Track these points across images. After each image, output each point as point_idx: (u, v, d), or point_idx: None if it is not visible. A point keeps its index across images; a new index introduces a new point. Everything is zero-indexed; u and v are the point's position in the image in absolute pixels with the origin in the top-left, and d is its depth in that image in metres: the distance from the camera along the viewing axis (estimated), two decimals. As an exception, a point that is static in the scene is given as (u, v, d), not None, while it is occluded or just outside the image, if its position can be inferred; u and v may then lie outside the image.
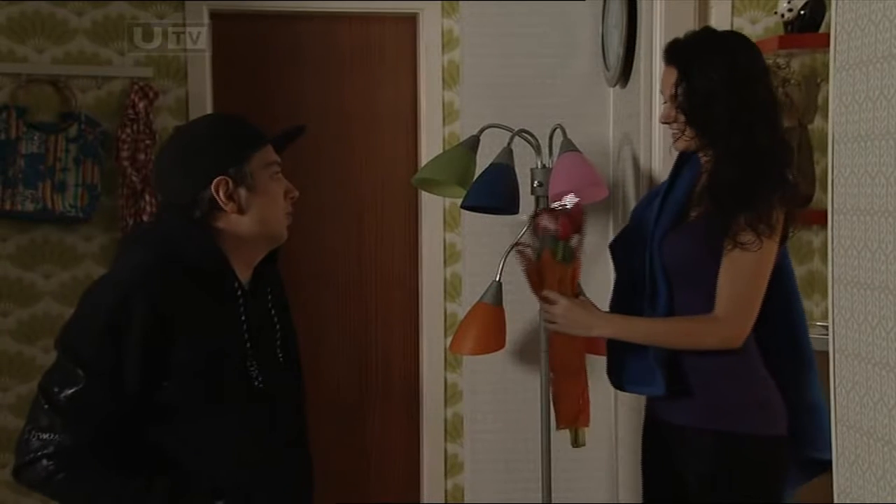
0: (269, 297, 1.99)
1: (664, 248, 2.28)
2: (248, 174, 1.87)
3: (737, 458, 2.22)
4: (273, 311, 1.99)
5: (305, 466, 2.03)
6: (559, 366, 2.37)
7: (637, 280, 2.35)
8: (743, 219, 2.14)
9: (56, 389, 1.76)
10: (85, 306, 1.84)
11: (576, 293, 2.35)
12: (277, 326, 1.98)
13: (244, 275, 1.92)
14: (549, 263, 2.33)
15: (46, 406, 1.76)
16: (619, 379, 2.38)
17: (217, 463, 1.84)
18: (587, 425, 2.39)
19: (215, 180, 1.84)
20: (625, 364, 2.33)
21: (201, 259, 1.84)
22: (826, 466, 2.29)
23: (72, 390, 1.75)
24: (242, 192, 1.86)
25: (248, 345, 1.88)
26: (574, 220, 2.32)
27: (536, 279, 2.38)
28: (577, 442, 2.41)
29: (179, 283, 1.81)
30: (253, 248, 1.92)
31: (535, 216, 2.41)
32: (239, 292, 1.88)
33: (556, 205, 2.41)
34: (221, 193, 1.85)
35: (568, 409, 2.37)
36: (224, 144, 1.88)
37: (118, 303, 1.77)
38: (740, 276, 2.17)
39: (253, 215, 1.88)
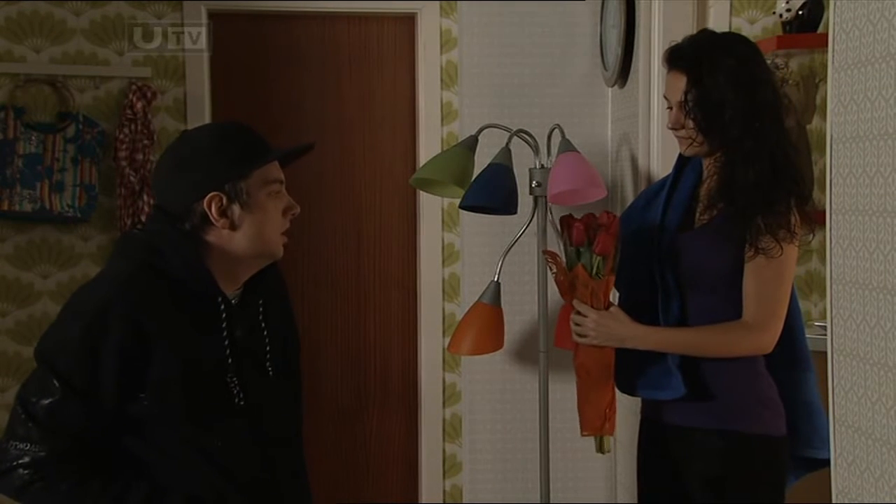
0: (261, 308, 1.96)
1: (676, 251, 2.27)
2: (243, 191, 1.83)
3: (745, 459, 2.22)
4: (264, 324, 1.96)
5: (296, 479, 2.00)
6: (587, 374, 2.33)
7: (643, 285, 2.33)
8: (762, 223, 2.14)
9: (33, 400, 1.76)
10: (64, 316, 1.83)
11: (608, 305, 2.30)
12: (267, 339, 1.95)
13: (232, 288, 1.90)
14: (584, 277, 2.29)
15: (23, 416, 1.76)
16: (630, 384, 2.35)
17: (195, 476, 1.83)
18: (612, 433, 2.37)
19: (209, 195, 1.82)
20: (638, 369, 2.30)
21: (185, 273, 1.82)
22: (819, 465, 2.31)
23: (48, 401, 1.75)
24: (236, 208, 1.83)
25: (230, 360, 1.86)
26: (613, 237, 2.28)
27: (567, 287, 2.34)
28: (602, 449, 2.38)
29: (160, 296, 1.80)
30: (243, 264, 1.89)
31: (568, 225, 2.34)
32: (222, 307, 1.86)
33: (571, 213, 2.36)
34: (214, 209, 1.82)
35: (594, 417, 2.34)
36: (223, 158, 1.83)
37: (96, 315, 1.76)
38: (767, 283, 2.18)
39: (245, 232, 1.85)
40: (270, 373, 1.95)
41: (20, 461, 1.75)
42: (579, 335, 2.30)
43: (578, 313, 2.30)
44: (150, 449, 1.82)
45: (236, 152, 1.85)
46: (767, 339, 2.21)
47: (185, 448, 1.82)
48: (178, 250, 1.83)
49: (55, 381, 1.75)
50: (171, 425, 1.81)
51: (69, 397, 1.75)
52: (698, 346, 2.23)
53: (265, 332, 1.95)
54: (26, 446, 1.75)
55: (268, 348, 1.95)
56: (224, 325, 1.86)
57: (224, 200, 1.83)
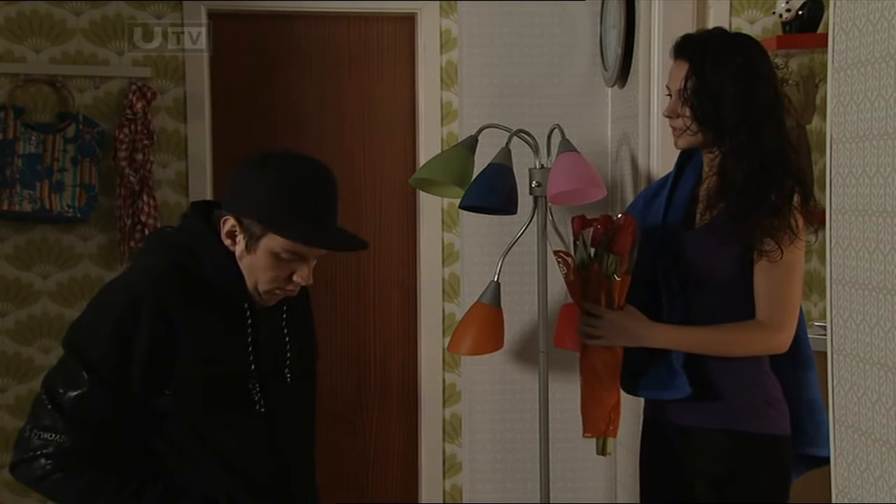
0: (285, 315, 1.97)
1: (679, 251, 2.26)
2: (255, 234, 1.82)
3: (751, 459, 2.22)
4: (286, 331, 1.96)
5: (307, 483, 2.01)
6: (595, 375, 2.30)
7: (643, 285, 2.31)
8: (762, 225, 2.14)
9: (61, 390, 1.77)
10: (95, 308, 1.84)
11: (622, 304, 2.28)
12: (288, 345, 1.96)
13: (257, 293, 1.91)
14: (598, 276, 2.26)
15: (50, 406, 1.77)
16: (633, 384, 2.34)
17: (210, 476, 1.84)
18: (615, 436, 2.35)
19: (228, 216, 1.83)
20: (642, 369, 2.29)
21: (215, 275, 1.84)
22: (820, 462, 2.31)
23: (76, 392, 1.76)
24: (241, 241, 1.83)
25: (252, 365, 1.87)
26: (631, 236, 2.25)
27: (578, 288, 2.31)
28: (604, 451, 2.37)
29: (189, 295, 1.81)
30: None
31: (583, 225, 2.31)
32: (248, 312, 1.87)
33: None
34: (225, 228, 1.84)
35: (599, 419, 2.32)
36: (262, 197, 1.80)
37: (127, 307, 1.78)
38: (778, 282, 2.18)
39: (242, 264, 1.85)
40: (289, 378, 1.95)
41: (44, 451, 1.77)
42: (592, 337, 2.28)
43: (589, 314, 2.28)
44: (169, 448, 1.83)
45: (274, 201, 1.80)
46: (783, 339, 2.21)
47: (202, 448, 1.84)
48: (210, 252, 1.84)
49: (84, 373, 1.76)
50: (190, 424, 1.82)
51: (97, 389, 1.76)
52: (715, 346, 2.22)
53: (287, 338, 1.96)
54: (51, 436, 1.76)
55: (288, 354, 1.96)
56: (249, 329, 1.87)
57: (237, 228, 1.83)
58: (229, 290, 1.85)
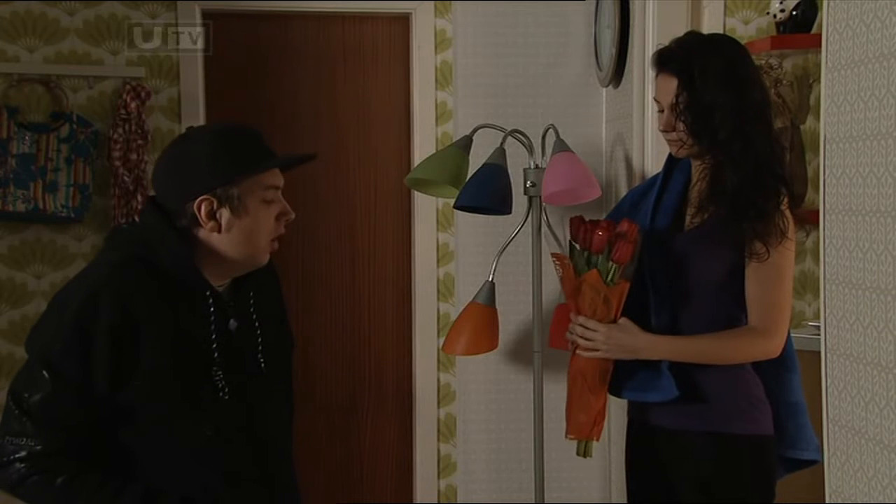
0: (252, 302, 1.96)
1: (668, 255, 2.26)
2: (235, 196, 1.82)
3: (737, 460, 2.22)
4: (255, 317, 1.96)
5: (284, 475, 2.00)
6: (584, 379, 2.29)
7: (631, 287, 2.32)
8: (751, 228, 2.14)
9: (26, 395, 1.77)
10: (54, 307, 1.83)
11: (619, 311, 2.26)
12: (259, 333, 1.95)
13: (221, 282, 1.90)
14: (597, 283, 2.25)
15: (17, 411, 1.77)
16: (617, 386, 2.33)
17: (185, 468, 1.83)
18: (598, 439, 2.35)
19: (199, 198, 1.82)
20: (626, 371, 2.29)
21: (173, 264, 1.83)
22: (800, 465, 2.32)
23: (40, 395, 1.75)
24: (226, 212, 1.83)
25: (216, 355, 1.85)
26: (632, 245, 2.23)
27: (573, 291, 2.29)
28: (585, 453, 2.37)
29: (148, 285, 1.80)
30: (230, 265, 1.89)
31: (585, 229, 2.29)
32: (210, 301, 1.86)
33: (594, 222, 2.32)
34: (203, 212, 1.82)
35: (585, 422, 2.31)
36: (218, 163, 1.82)
37: (85, 303, 1.76)
38: (769, 287, 2.18)
39: (233, 236, 1.84)
40: (262, 367, 1.95)
41: (16, 455, 1.76)
42: (589, 350, 2.26)
43: (585, 328, 2.27)
44: (141, 442, 1.82)
45: (231, 157, 1.83)
46: (776, 344, 2.21)
47: (174, 440, 1.82)
48: (166, 244, 1.83)
49: (45, 374, 1.75)
50: (159, 417, 1.81)
51: (61, 390, 1.75)
52: (711, 354, 2.22)
53: (257, 326, 1.95)
54: (22, 441, 1.76)
55: (259, 342, 1.95)
56: (212, 319, 1.86)
57: (215, 204, 1.82)
58: (189, 281, 1.84)
